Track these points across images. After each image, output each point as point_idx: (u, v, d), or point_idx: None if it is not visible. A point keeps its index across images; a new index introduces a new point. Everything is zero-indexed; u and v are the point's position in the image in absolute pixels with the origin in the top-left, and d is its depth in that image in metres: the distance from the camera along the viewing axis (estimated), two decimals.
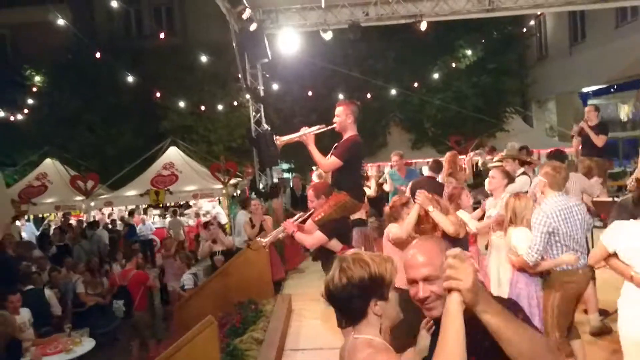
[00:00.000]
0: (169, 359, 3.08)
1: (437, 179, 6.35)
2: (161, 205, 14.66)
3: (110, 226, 13.90)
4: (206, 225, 10.22)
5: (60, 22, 12.04)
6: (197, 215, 15.05)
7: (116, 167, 14.93)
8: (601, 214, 6.56)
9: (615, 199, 6.28)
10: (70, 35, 15.53)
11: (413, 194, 5.94)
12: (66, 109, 16.92)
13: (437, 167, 6.46)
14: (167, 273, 7.78)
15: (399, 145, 16.39)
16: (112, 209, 15.08)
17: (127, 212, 14.85)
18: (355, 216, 5.85)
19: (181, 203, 15.26)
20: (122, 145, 16.95)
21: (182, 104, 16.42)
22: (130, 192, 13.39)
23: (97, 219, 14.09)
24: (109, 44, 16.76)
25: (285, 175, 18.30)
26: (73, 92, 17.01)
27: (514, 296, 3.57)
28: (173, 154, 14.47)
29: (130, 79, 14.59)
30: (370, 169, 7.73)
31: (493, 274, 4.30)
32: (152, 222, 14.73)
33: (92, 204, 13.39)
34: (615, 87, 16.14)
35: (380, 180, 8.67)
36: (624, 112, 16.32)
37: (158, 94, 15.96)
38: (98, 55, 13.02)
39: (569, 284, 3.51)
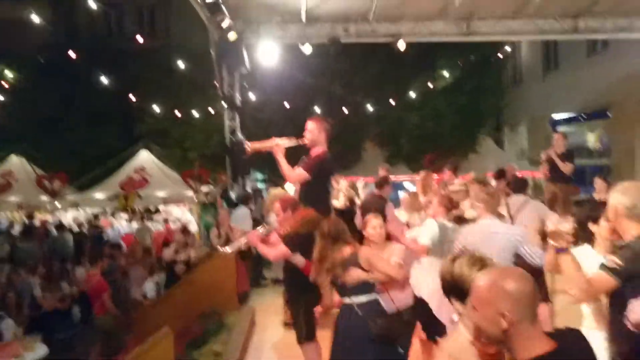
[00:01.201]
0: None
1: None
2: (130, 209, 14.41)
3: (77, 229, 13.56)
4: (184, 231, 10.09)
5: (37, 19, 11.79)
6: (166, 221, 14.82)
7: (86, 169, 14.63)
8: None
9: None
10: (49, 33, 15.26)
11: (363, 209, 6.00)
12: (39, 107, 16.55)
13: (382, 183, 6.48)
14: (130, 280, 7.59)
15: (373, 160, 16.53)
16: (79, 210, 14.73)
17: (93, 215, 14.50)
18: None
19: (150, 208, 15.01)
20: (94, 146, 16.64)
21: (158, 107, 16.22)
22: (99, 194, 13.15)
23: (63, 220, 13.75)
24: (89, 44, 16.53)
25: (260, 185, 18.21)
26: (48, 90, 16.66)
27: None
28: (145, 157, 14.28)
29: (107, 80, 14.36)
30: (340, 182, 7.71)
31: None
32: (120, 227, 14.44)
33: (58, 204, 13.08)
34: (584, 115, 16.66)
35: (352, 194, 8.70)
36: (592, 140, 16.81)
37: (135, 97, 15.73)
38: (74, 54, 12.79)
39: None
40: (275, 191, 7.15)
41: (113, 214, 15.31)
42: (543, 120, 17.93)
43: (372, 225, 3.97)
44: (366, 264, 3.42)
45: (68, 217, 14.46)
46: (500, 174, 7.71)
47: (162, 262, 7.57)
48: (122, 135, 16.54)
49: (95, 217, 13.97)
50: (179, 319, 5.30)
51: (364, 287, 3.41)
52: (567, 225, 2.96)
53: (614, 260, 2.51)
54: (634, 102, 13.38)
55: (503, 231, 3.65)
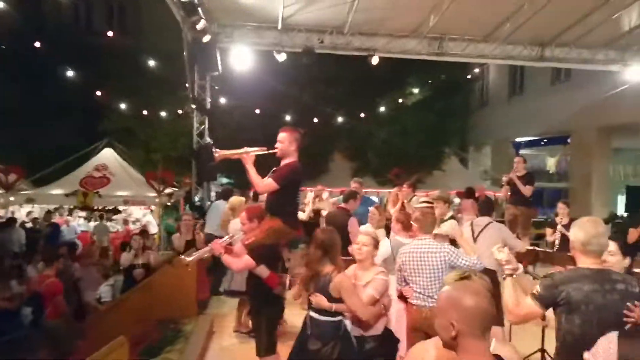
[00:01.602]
0: None
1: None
2: (88, 208, 13.95)
3: (30, 225, 13.01)
4: (142, 232, 9.80)
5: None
6: (126, 222, 14.44)
7: (45, 163, 14.10)
8: (523, 261, 6.88)
9: (536, 247, 6.65)
10: (12, 19, 14.70)
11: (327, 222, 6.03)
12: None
13: (348, 197, 6.52)
14: (84, 282, 7.32)
15: (341, 172, 16.62)
16: (33, 207, 14.13)
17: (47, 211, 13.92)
18: None
19: (110, 208, 14.60)
20: (55, 141, 16.07)
21: (125, 105, 15.86)
22: (56, 190, 12.66)
23: (15, 215, 13.16)
24: (55, 35, 16.02)
25: None
26: (7, 80, 16.01)
27: None
28: (108, 156, 13.88)
29: (71, 73, 13.95)
30: (308, 195, 7.69)
31: None
32: (77, 225, 13.96)
33: (12, 198, 12.52)
34: (545, 140, 17.28)
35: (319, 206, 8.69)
36: (551, 164, 17.42)
37: (100, 93, 15.34)
38: (39, 44, 12.38)
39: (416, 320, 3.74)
40: (234, 200, 7.08)
41: (70, 212, 14.80)
42: (506, 142, 18.50)
43: (358, 242, 3.81)
44: (336, 292, 3.30)
45: (22, 213, 13.87)
46: (469, 193, 7.85)
47: (120, 264, 7.33)
48: (84, 131, 16.03)
49: (50, 213, 13.42)
50: (135, 325, 5.12)
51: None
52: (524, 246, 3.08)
53: (536, 288, 2.63)
54: (592, 130, 13.98)
55: (435, 250, 3.78)
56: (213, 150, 4.30)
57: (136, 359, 4.38)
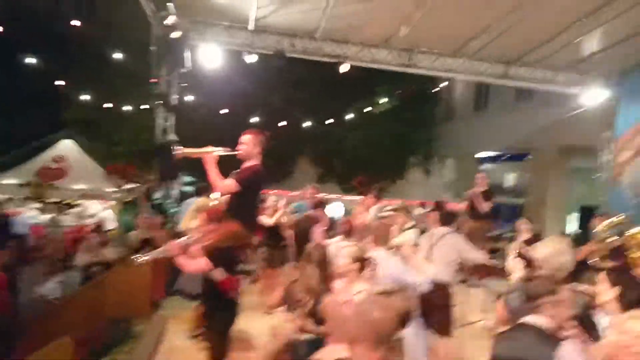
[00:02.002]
0: None
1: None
2: (43, 200, 13.46)
3: None
4: (97, 228, 9.51)
5: None
6: (81, 217, 13.97)
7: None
8: (478, 273, 7.06)
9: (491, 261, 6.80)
10: None
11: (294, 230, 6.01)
12: None
13: (317, 205, 6.59)
14: (32, 277, 7.01)
15: (305, 176, 16.62)
16: None
17: None
18: None
19: (66, 201, 14.11)
20: (11, 129, 15.48)
21: (88, 97, 15.40)
22: (9, 180, 12.20)
23: None
24: (16, 19, 15.41)
25: (188, 189, 17.69)
26: None
27: None
28: (67, 147, 13.46)
29: (34, 60, 13.46)
30: (271, 199, 7.67)
31: None
32: (29, 217, 13.41)
33: None
34: (506, 156, 17.75)
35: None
36: (510, 180, 17.91)
37: (63, 82, 14.85)
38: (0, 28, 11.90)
39: None
40: (202, 201, 6.97)
41: (23, 203, 14.23)
42: (470, 156, 18.91)
43: (344, 255, 3.53)
44: (325, 313, 3.06)
45: None
46: (438, 206, 7.90)
47: (73, 260, 7.09)
48: (44, 120, 15.49)
49: (0, 204, 12.88)
50: (83, 325, 4.95)
51: None
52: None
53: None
54: (550, 149, 14.45)
55: (384, 264, 3.82)
56: (174, 147, 4.21)
57: (83, 359, 4.22)
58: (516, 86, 13.30)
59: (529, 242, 7.23)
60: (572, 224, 15.07)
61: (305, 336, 3.26)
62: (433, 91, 18.72)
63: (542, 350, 2.30)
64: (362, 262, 3.42)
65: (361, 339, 1.85)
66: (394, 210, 6.24)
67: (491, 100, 17.66)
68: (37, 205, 14.72)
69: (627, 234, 5.23)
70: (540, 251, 2.88)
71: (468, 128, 18.59)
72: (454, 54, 10.39)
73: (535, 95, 14.50)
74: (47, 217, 13.64)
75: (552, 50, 9.65)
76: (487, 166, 18.15)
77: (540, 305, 2.42)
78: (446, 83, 18.87)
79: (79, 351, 4.24)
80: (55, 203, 13.84)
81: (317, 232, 5.89)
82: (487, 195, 7.98)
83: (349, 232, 5.80)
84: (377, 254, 3.82)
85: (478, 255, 5.73)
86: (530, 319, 2.43)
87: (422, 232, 6.45)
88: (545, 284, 2.50)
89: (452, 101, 20.71)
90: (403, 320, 2.33)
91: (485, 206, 7.86)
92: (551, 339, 2.33)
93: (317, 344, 3.17)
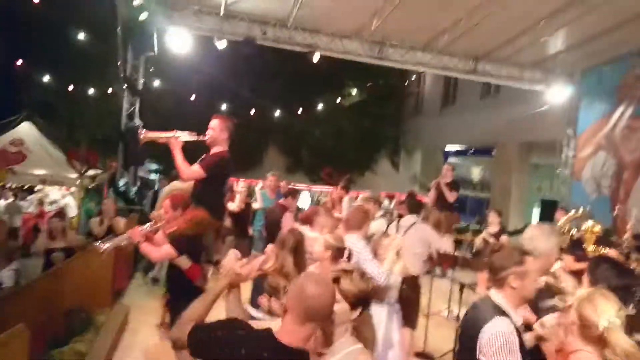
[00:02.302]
0: None
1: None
2: (2, 184, 12.94)
3: None
4: (58, 214, 9.16)
5: None
6: (41, 203, 13.52)
7: None
8: (444, 264, 7.17)
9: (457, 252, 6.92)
10: None
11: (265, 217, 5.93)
12: None
13: (288, 194, 6.62)
14: None
15: (274, 166, 16.52)
16: None
17: None
18: None
19: (25, 186, 13.61)
20: None
21: (48, 78, 14.86)
22: None
23: None
24: None
25: (152, 176, 17.35)
26: None
27: None
28: (26, 130, 12.92)
29: None
30: (239, 185, 7.61)
31: None
32: None
33: None
34: (472, 150, 18.09)
35: (251, 199, 8.61)
36: (475, 174, 18.29)
37: (20, 63, 14.27)
38: None
39: None
40: (177, 184, 6.76)
41: None
42: (436, 149, 19.20)
43: (320, 243, 3.45)
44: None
45: None
46: (409, 197, 7.95)
47: (29, 248, 6.84)
48: (1, 102, 14.87)
49: None
50: (42, 314, 4.78)
51: None
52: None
53: None
54: (514, 144, 14.79)
55: (354, 249, 3.81)
56: (140, 132, 4.08)
57: (39, 348, 4.09)
58: (484, 82, 13.57)
59: (498, 235, 7.41)
60: (534, 218, 15.53)
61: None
62: (404, 85, 18.90)
63: (480, 324, 2.33)
64: (336, 250, 3.38)
65: (291, 310, 1.90)
66: (365, 200, 6.27)
67: (459, 95, 17.93)
68: None
69: (583, 228, 5.41)
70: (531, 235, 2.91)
71: (436, 122, 18.85)
72: (424, 47, 10.48)
73: (501, 92, 14.79)
74: (4, 202, 13.15)
75: (519, 47, 9.86)
76: (453, 160, 18.47)
77: (505, 278, 2.41)
78: (415, 78, 19.11)
79: (36, 340, 4.11)
80: (13, 189, 13.33)
81: (287, 219, 5.88)
82: (453, 186, 8.10)
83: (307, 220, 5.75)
84: (349, 238, 3.79)
85: (446, 245, 5.82)
86: (491, 292, 2.45)
87: (389, 223, 6.54)
88: (512, 254, 2.50)
89: (421, 96, 20.95)
90: (355, 302, 2.35)
91: (451, 197, 7.99)
92: (494, 313, 2.34)
93: None
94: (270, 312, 3.10)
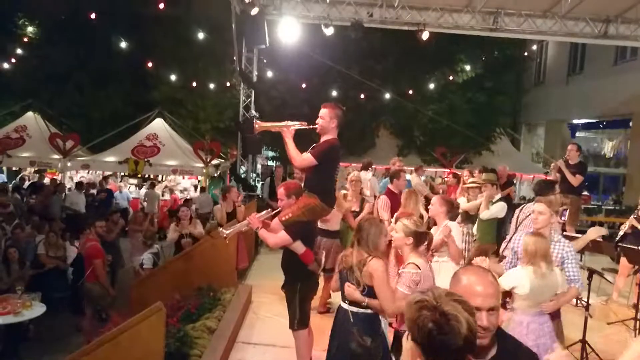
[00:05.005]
0: (111, 341, 3.01)
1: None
2: (139, 175, 14.47)
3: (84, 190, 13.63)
4: (187, 202, 10.01)
5: None
6: (172, 191, 14.88)
7: (99, 131, 14.69)
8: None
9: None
10: None
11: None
12: (56, 65, 16.54)
13: (393, 176, 6.46)
14: (131, 247, 7.61)
15: (386, 149, 16.42)
16: (89, 172, 14.78)
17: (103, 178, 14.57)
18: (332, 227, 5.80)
19: (159, 176, 15.07)
20: (108, 109, 16.69)
21: (174, 76, 16.20)
22: (110, 157, 13.19)
23: (74, 180, 13.84)
24: (109, 6, 16.42)
25: (270, 163, 18.20)
26: (66, 48, 16.62)
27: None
28: (158, 125, 14.28)
29: (124, 44, 14.32)
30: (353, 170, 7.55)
31: None
32: (128, 192, 14.51)
33: (69, 164, 13.14)
34: (604, 122, 16.38)
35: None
36: (609, 148, 16.53)
37: (151, 63, 15.69)
38: (94, 15, 12.75)
39: None
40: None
41: (122, 179, 15.42)
42: (562, 123, 17.67)
43: (397, 229, 3.35)
44: (368, 278, 3.06)
45: (77, 178, 14.56)
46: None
47: (167, 233, 7.56)
48: (134, 100, 16.52)
49: (105, 178, 14.03)
50: (176, 292, 5.30)
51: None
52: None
53: None
54: None
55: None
56: (254, 122, 4.30)
57: (174, 323, 4.53)
58: (617, 46, 12.17)
59: None
60: None
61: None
62: (523, 55, 17.61)
63: None
64: (417, 236, 3.26)
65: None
66: (482, 182, 6.00)
67: (588, 61, 16.26)
68: (134, 180, 15.92)
69: None
70: None
71: (560, 94, 17.32)
72: (544, 14, 9.65)
73: (639, 55, 13.15)
74: (143, 191, 14.69)
75: None
76: (582, 134, 16.87)
77: None
78: (537, 47, 17.68)
79: (171, 316, 4.57)
80: (150, 179, 14.85)
81: (382, 201, 5.92)
82: (579, 168, 7.22)
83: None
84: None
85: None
86: None
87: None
88: None
89: (544, 65, 19.34)
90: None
91: (575, 180, 7.10)
92: None
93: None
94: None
